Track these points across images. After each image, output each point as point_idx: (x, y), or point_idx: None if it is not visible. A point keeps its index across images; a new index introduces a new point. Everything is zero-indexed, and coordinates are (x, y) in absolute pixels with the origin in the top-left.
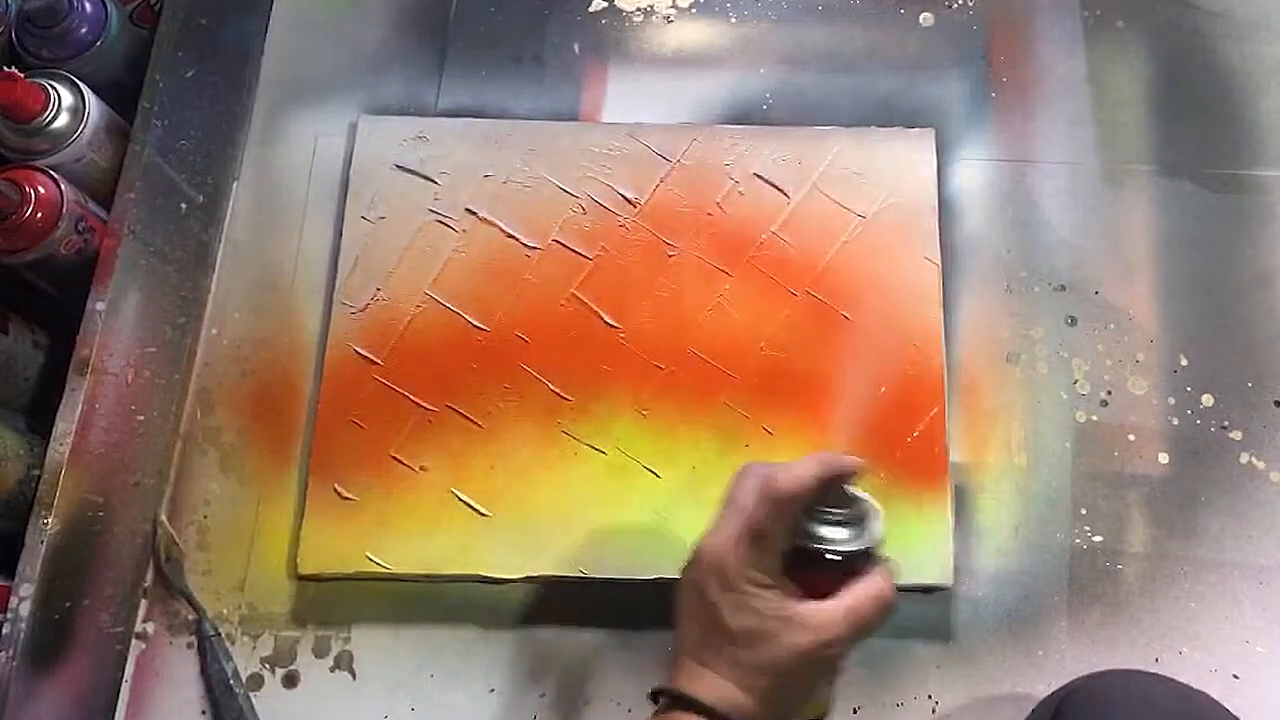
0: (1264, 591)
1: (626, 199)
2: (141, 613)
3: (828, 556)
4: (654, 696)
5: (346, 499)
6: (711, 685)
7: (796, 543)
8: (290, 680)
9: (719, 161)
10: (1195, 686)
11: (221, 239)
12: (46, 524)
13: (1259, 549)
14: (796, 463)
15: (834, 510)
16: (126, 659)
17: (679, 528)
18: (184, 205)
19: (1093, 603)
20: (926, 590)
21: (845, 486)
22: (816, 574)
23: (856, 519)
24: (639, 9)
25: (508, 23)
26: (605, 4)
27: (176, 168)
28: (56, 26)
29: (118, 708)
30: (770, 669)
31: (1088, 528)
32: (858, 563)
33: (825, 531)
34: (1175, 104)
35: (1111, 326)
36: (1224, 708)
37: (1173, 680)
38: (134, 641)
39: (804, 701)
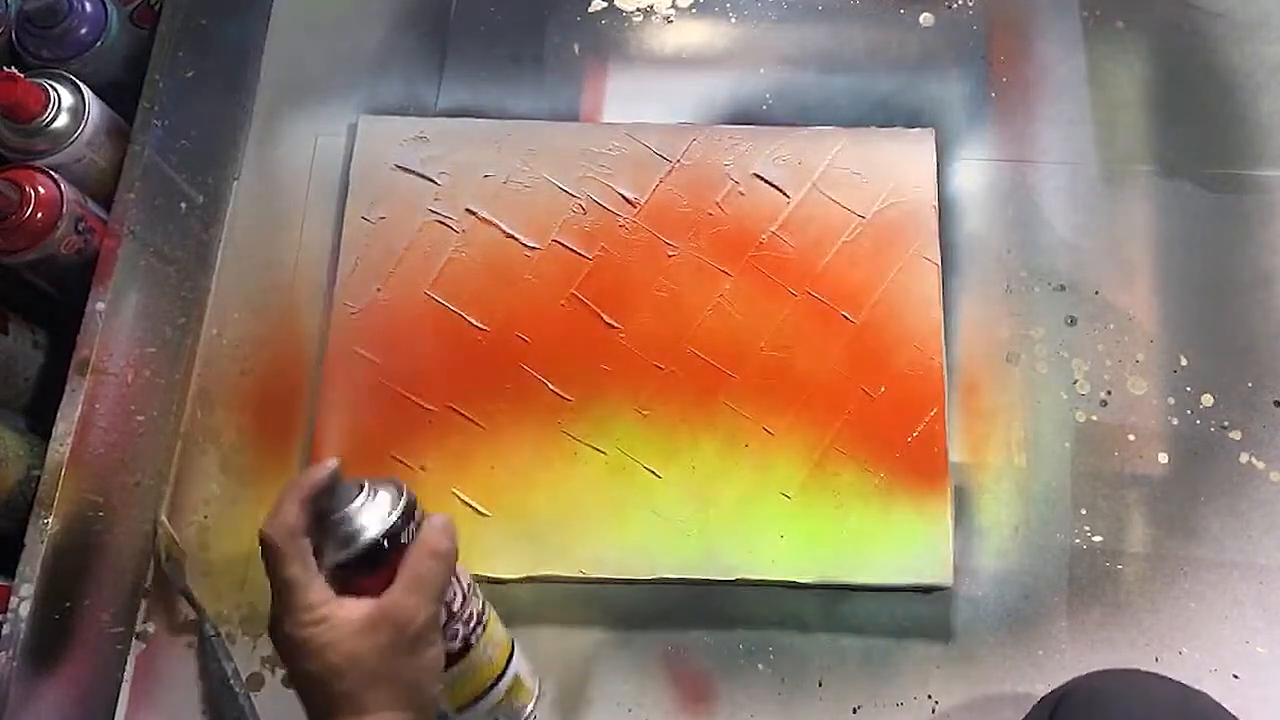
0: (1264, 591)
1: (626, 199)
2: (142, 613)
3: (355, 559)
4: None
5: None
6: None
7: (331, 567)
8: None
9: (719, 161)
10: (1195, 686)
11: (221, 239)
12: (46, 524)
13: (1259, 549)
14: (275, 507)
15: (337, 516)
16: (127, 659)
17: (679, 528)
18: (184, 205)
19: (1093, 603)
20: (926, 590)
21: (340, 486)
22: (367, 575)
23: (366, 509)
24: (639, 9)
25: (508, 23)
26: (605, 4)
27: (176, 168)
28: (57, 27)
29: (118, 708)
30: (370, 680)
31: (1088, 528)
32: (399, 530)
33: (344, 537)
34: (1175, 104)
35: (1111, 326)
36: (1223, 708)
37: (1171, 680)
38: (134, 641)
39: (429, 677)
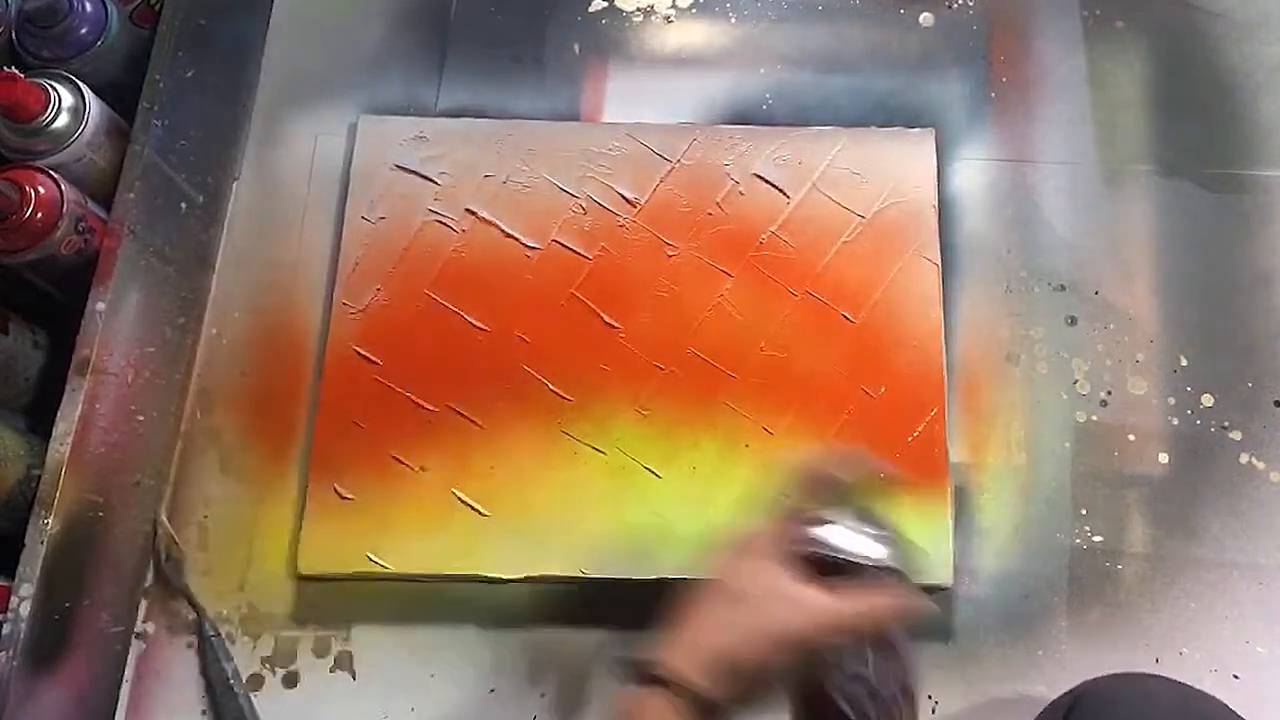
0: (1264, 591)
1: (626, 199)
2: (142, 613)
3: (856, 562)
4: (623, 667)
5: (346, 499)
6: (684, 661)
7: (827, 556)
8: (290, 680)
9: (719, 161)
10: (1195, 687)
11: (221, 239)
12: (47, 524)
13: (1259, 549)
14: (845, 457)
15: (870, 524)
16: (127, 659)
17: (679, 528)
18: (184, 205)
19: (1093, 603)
20: (927, 590)
21: (875, 516)
22: (843, 580)
23: (890, 540)
24: (639, 9)
25: (508, 23)
26: (605, 4)
27: (176, 168)
28: (57, 27)
29: (118, 708)
30: (755, 637)
31: (1088, 528)
32: (879, 574)
33: (832, 540)
34: (1175, 104)
35: (1111, 326)
36: (1233, 711)
37: (1181, 684)
38: (134, 641)
39: (768, 685)
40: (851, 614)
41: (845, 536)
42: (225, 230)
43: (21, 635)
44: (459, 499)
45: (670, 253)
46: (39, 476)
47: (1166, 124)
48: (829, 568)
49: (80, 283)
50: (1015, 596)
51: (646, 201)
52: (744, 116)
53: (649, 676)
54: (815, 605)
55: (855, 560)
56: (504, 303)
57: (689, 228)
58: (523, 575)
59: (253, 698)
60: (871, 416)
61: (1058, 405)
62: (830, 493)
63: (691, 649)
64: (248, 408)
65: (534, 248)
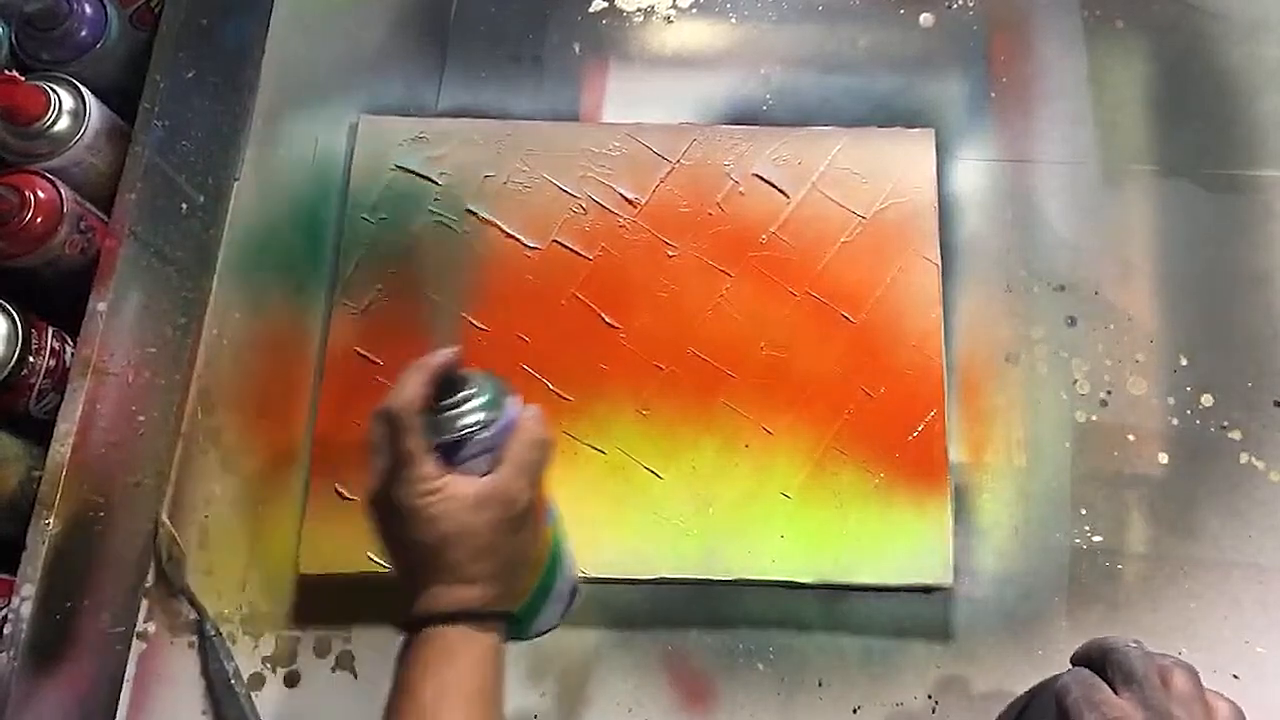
0: (1264, 591)
1: (626, 199)
2: (143, 613)
3: (471, 437)
4: (403, 629)
5: (347, 499)
6: (438, 597)
7: (440, 441)
8: (291, 680)
9: (719, 161)
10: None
11: (222, 239)
12: (48, 524)
13: (1259, 549)
14: (401, 380)
15: (455, 395)
16: (128, 659)
17: (679, 528)
18: (184, 205)
19: (1093, 603)
20: (926, 590)
21: (455, 375)
22: (474, 454)
23: (478, 393)
24: (639, 9)
25: (508, 23)
26: (605, 4)
27: (177, 168)
28: (56, 29)
29: (119, 708)
30: (477, 554)
31: (1088, 528)
32: (499, 424)
33: (458, 418)
34: (1175, 104)
35: (1111, 326)
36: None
37: None
38: (135, 641)
39: (522, 562)
40: (512, 472)
41: (444, 421)
42: (226, 230)
43: (22, 635)
44: None
45: (670, 253)
46: (40, 477)
47: (1166, 124)
48: (454, 450)
49: (84, 283)
50: (1015, 596)
51: (646, 201)
52: (744, 116)
53: (419, 620)
54: (485, 492)
55: (469, 436)
56: (504, 303)
57: (689, 228)
58: None
59: (254, 697)
60: (871, 416)
61: (1058, 405)
62: (416, 418)
63: (444, 589)
64: (248, 408)
65: (534, 248)
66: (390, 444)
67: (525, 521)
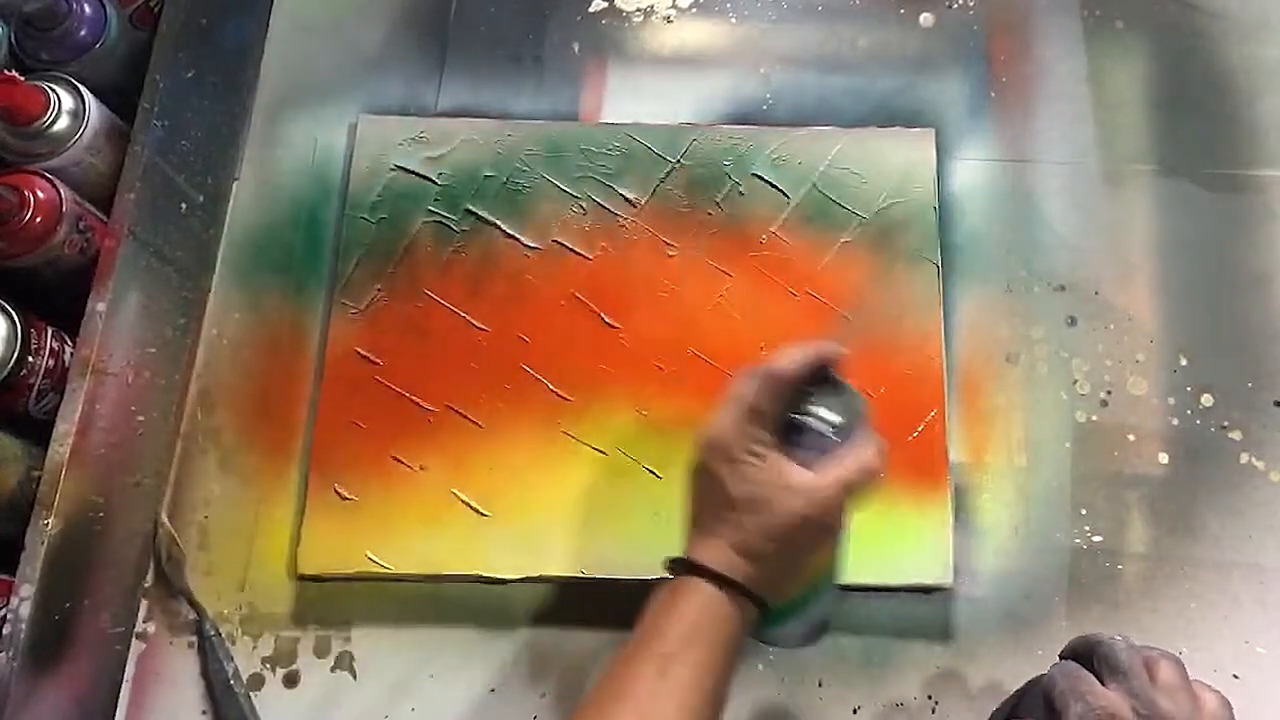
0: (1264, 591)
1: (626, 199)
2: (142, 613)
3: (816, 429)
4: (668, 567)
5: (347, 499)
6: (716, 552)
7: (790, 418)
8: (291, 680)
9: (719, 161)
10: None
11: (222, 239)
12: (47, 524)
13: (1259, 549)
14: (788, 348)
15: (822, 390)
16: (127, 659)
17: (679, 528)
18: (184, 205)
19: (1093, 603)
20: (926, 590)
21: (831, 374)
22: (809, 449)
23: (843, 400)
24: (639, 9)
25: (508, 23)
26: (605, 4)
27: (176, 168)
28: (56, 29)
29: (118, 708)
30: (769, 533)
31: (1088, 528)
32: (845, 437)
33: (815, 408)
34: (1175, 104)
35: (1111, 326)
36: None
37: None
38: (134, 642)
39: (802, 568)
40: (836, 487)
41: (806, 403)
42: (225, 230)
43: (21, 635)
44: (459, 499)
45: (670, 253)
46: (39, 478)
47: (1166, 124)
48: (798, 432)
49: (83, 283)
50: (1015, 596)
51: (646, 201)
52: (744, 116)
53: (689, 565)
54: (805, 485)
55: (817, 429)
56: (504, 303)
57: (689, 228)
58: (523, 575)
59: (253, 698)
60: (871, 416)
61: (1058, 405)
62: (785, 388)
63: (721, 546)
64: (248, 408)
65: (534, 248)
66: (751, 396)
67: (826, 535)
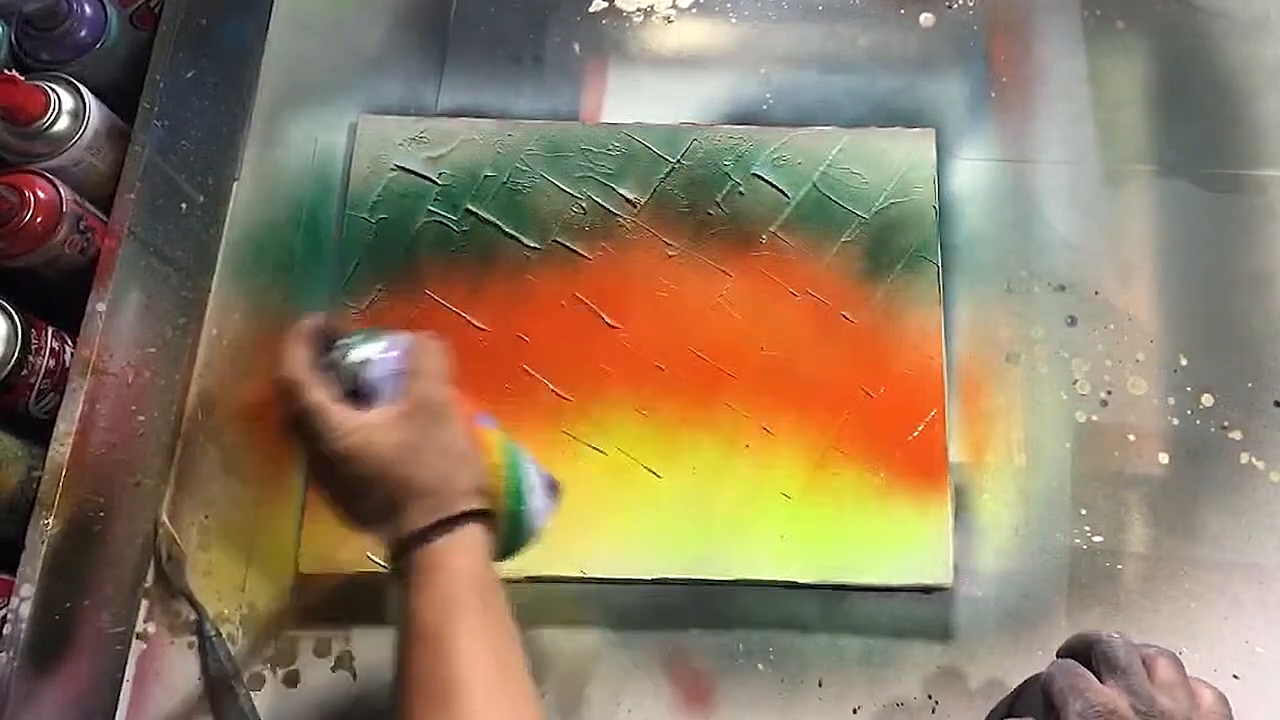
0: (1264, 591)
1: (626, 199)
2: (142, 613)
3: (369, 365)
4: (396, 574)
5: None
6: (400, 518)
7: (345, 391)
8: (291, 680)
9: (719, 161)
10: None
11: (222, 239)
12: (47, 525)
13: (1259, 549)
14: (280, 353)
15: (334, 348)
16: (127, 659)
17: (679, 528)
18: (184, 205)
19: (1093, 603)
20: (926, 590)
21: (331, 332)
22: (373, 399)
23: (358, 338)
24: (639, 9)
25: (508, 23)
26: (605, 4)
27: (176, 168)
28: (56, 29)
29: (118, 708)
30: (417, 462)
31: (1088, 528)
32: (395, 348)
33: (345, 364)
34: (1175, 104)
35: (1111, 326)
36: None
37: None
38: (135, 642)
39: (456, 455)
40: (415, 400)
41: (343, 363)
42: (225, 230)
43: (21, 635)
44: None
45: (670, 253)
46: (39, 478)
47: (1166, 124)
48: (359, 392)
49: (83, 283)
50: (1015, 596)
51: (646, 201)
52: (744, 116)
53: (421, 533)
54: (390, 409)
55: (369, 365)
56: (504, 303)
57: (689, 228)
58: (523, 575)
59: (253, 697)
60: (871, 416)
61: (1058, 405)
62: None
63: (403, 511)
64: (248, 408)
65: (534, 248)
66: (295, 410)
67: (447, 415)
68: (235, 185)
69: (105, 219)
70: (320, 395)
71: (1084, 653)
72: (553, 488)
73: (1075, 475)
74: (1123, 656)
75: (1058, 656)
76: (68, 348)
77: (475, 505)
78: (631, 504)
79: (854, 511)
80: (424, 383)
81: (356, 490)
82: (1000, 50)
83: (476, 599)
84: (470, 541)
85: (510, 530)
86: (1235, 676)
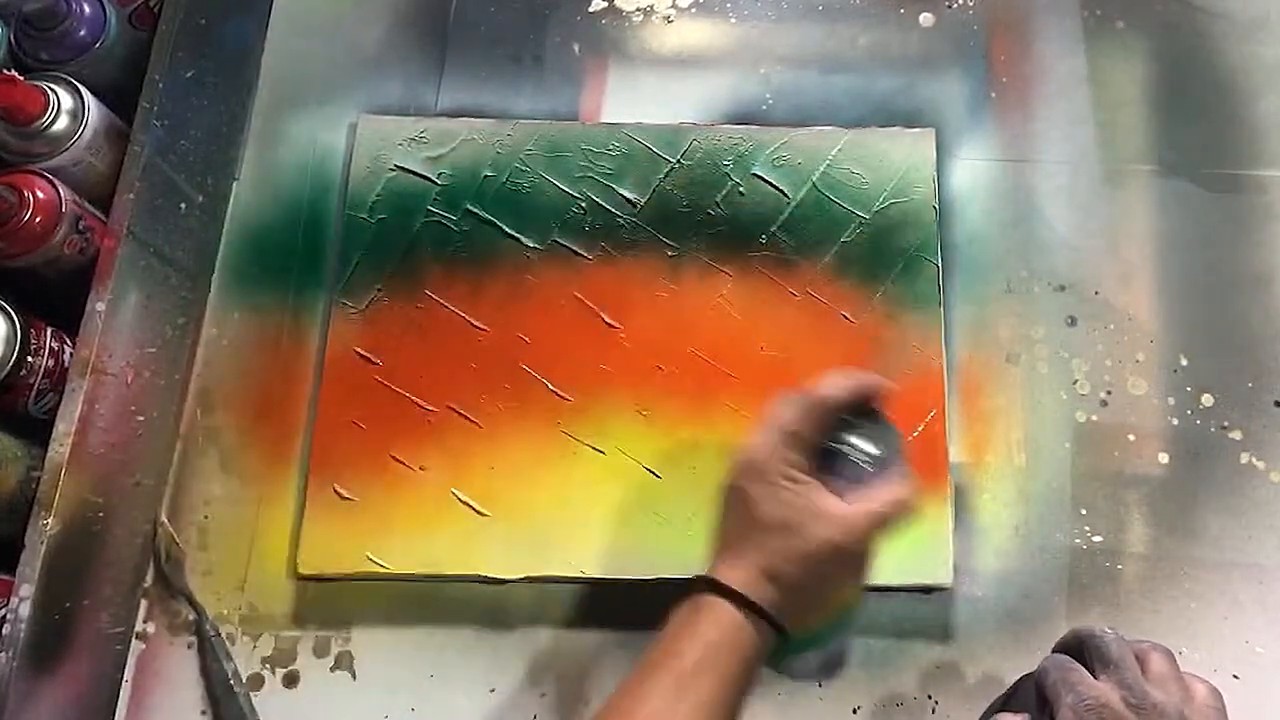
0: (1264, 591)
1: (626, 199)
2: (142, 613)
3: (853, 459)
4: (692, 584)
5: (346, 499)
6: (741, 572)
7: (828, 445)
8: (290, 680)
9: (719, 161)
10: None
11: (221, 239)
12: (46, 525)
13: (1259, 549)
14: (833, 375)
15: (861, 421)
16: (126, 659)
17: (679, 528)
18: (184, 205)
19: (1093, 603)
20: (926, 590)
21: (873, 406)
22: (843, 478)
23: (881, 433)
24: (639, 9)
25: (508, 23)
26: (605, 4)
27: (176, 168)
28: (55, 29)
29: (118, 708)
30: (797, 558)
31: (1088, 528)
32: (880, 470)
33: (853, 439)
34: (1175, 104)
35: (1111, 326)
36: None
37: None
38: (134, 642)
39: (825, 598)
40: (868, 519)
41: (843, 432)
42: (225, 230)
43: (21, 635)
44: (459, 499)
45: (670, 253)
46: (39, 478)
47: (1166, 124)
48: (834, 461)
49: (82, 282)
50: (1015, 596)
51: (646, 201)
52: (744, 116)
53: (713, 584)
54: (838, 514)
55: (855, 455)
56: (504, 303)
57: (689, 228)
58: (523, 575)
59: (253, 698)
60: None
61: (1058, 405)
62: (826, 415)
63: (746, 567)
64: (248, 408)
65: (534, 248)
66: (791, 421)
67: (852, 567)
68: (235, 185)
69: (105, 219)
70: (812, 433)
71: (1077, 648)
72: (829, 668)
73: (1075, 475)
74: (1115, 651)
75: (1052, 652)
76: (67, 348)
77: (787, 630)
78: (631, 504)
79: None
80: (870, 524)
81: (741, 513)
82: (1000, 50)
83: (735, 683)
84: (760, 646)
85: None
86: (1235, 676)
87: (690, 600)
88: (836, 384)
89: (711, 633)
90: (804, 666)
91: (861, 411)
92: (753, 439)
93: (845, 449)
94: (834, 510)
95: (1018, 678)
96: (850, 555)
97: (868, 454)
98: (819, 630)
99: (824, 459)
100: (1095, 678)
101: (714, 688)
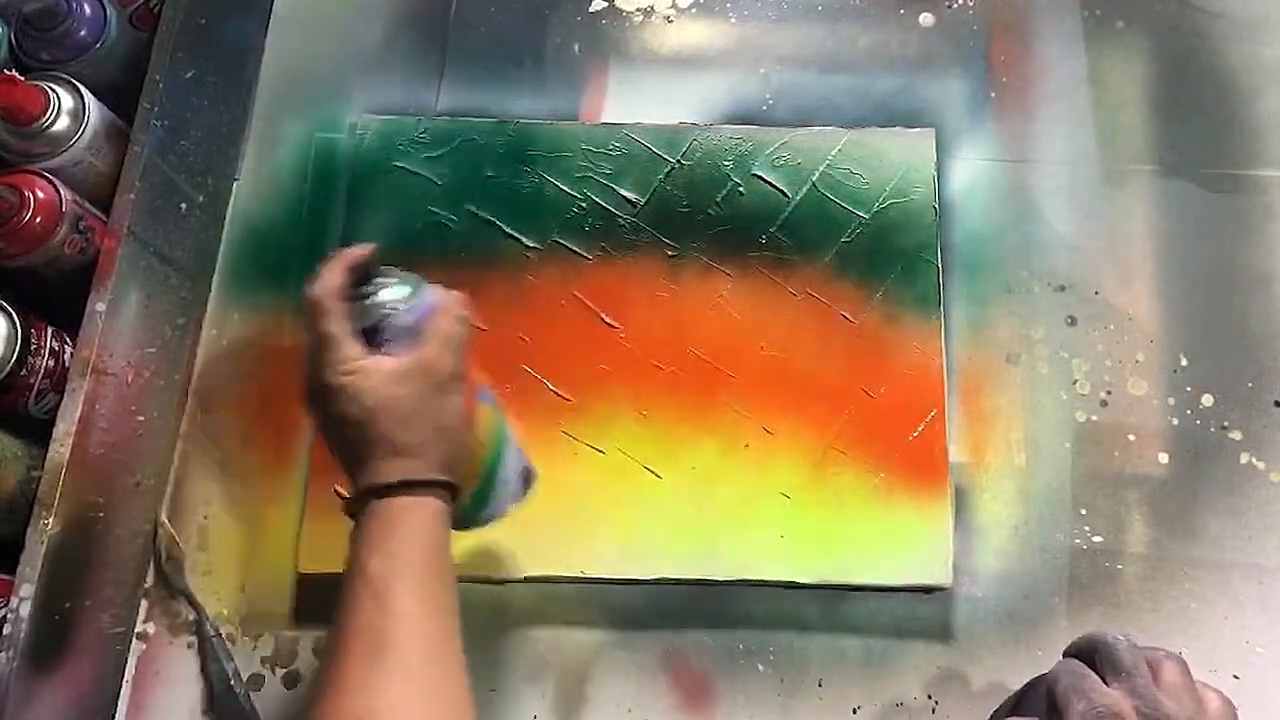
0: (1264, 591)
1: (626, 199)
2: (142, 613)
3: (388, 312)
4: (346, 510)
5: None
6: (368, 473)
7: (362, 326)
8: (291, 680)
9: (719, 161)
10: None
11: (221, 239)
12: (47, 525)
13: (1259, 549)
14: (320, 274)
15: (370, 286)
16: (127, 659)
17: (679, 528)
18: (184, 205)
19: (1093, 603)
20: (926, 590)
21: (373, 268)
22: (397, 341)
23: (396, 279)
24: (639, 9)
25: (508, 23)
26: (605, 4)
27: (176, 168)
28: (56, 29)
29: (118, 708)
30: (397, 422)
31: (1088, 528)
32: (419, 299)
33: (379, 297)
34: (1175, 104)
35: (1111, 326)
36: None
37: None
38: (135, 642)
39: (445, 428)
40: (431, 341)
41: (364, 302)
42: (225, 230)
43: (21, 635)
44: None
45: (670, 253)
46: (39, 478)
47: (1166, 124)
48: (374, 332)
49: (82, 283)
50: (1015, 596)
51: (646, 201)
52: (744, 116)
53: (384, 488)
54: (402, 364)
55: (389, 311)
56: (504, 303)
57: (689, 228)
58: (523, 575)
59: (253, 697)
60: (871, 417)
61: (1058, 405)
62: (339, 304)
63: (369, 467)
64: (248, 408)
65: (534, 248)
66: (314, 329)
67: (449, 388)
68: (235, 185)
69: (105, 219)
70: (338, 325)
71: (1089, 654)
72: (528, 478)
73: (1075, 475)
74: (1127, 659)
75: (1064, 657)
76: (67, 348)
77: (444, 478)
78: (631, 504)
79: (854, 511)
80: (437, 348)
81: (340, 426)
82: (1000, 50)
83: (425, 563)
84: (430, 508)
85: (471, 508)
86: (1235, 676)
87: (357, 523)
88: (326, 274)
89: (383, 532)
90: (499, 505)
91: (369, 278)
92: (304, 372)
93: (376, 318)
94: (401, 364)
95: (1025, 682)
96: (441, 384)
97: (393, 304)
98: (482, 472)
99: (370, 336)
100: (1107, 685)
101: (409, 578)
